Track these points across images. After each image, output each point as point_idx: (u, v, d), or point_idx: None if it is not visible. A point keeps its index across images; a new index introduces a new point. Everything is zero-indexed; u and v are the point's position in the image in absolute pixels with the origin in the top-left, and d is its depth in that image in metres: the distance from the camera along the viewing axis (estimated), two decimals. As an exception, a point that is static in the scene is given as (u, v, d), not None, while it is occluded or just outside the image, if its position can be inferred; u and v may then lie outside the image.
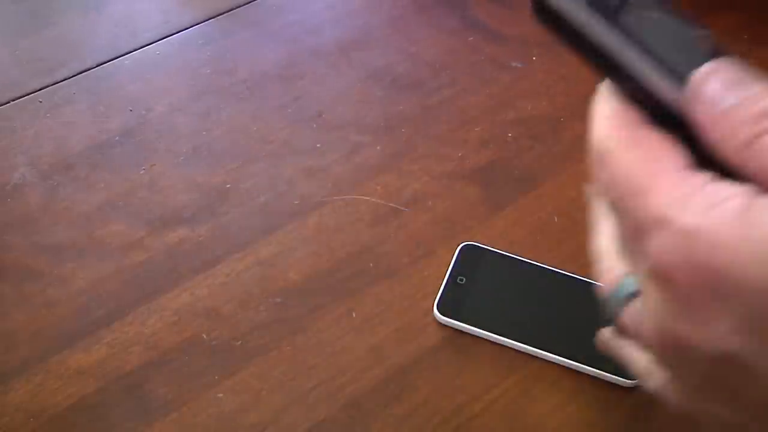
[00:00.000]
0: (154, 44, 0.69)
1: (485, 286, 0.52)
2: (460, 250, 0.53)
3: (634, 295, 0.33)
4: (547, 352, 0.48)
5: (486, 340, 0.50)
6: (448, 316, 0.50)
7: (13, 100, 0.65)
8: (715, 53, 0.26)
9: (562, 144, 0.61)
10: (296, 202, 0.58)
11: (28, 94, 0.65)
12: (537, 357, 0.49)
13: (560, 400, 0.48)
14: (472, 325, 0.50)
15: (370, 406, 0.47)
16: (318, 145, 0.61)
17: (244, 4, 0.73)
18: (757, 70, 0.25)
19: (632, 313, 0.32)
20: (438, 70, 0.67)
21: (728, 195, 0.24)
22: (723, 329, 0.25)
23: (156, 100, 0.65)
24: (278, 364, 0.49)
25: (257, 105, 0.64)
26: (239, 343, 0.50)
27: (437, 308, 0.50)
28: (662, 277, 0.26)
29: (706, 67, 0.25)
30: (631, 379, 0.47)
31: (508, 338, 0.49)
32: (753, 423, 0.27)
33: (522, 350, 0.49)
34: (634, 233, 0.27)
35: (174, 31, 0.70)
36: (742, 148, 0.24)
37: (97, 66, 0.67)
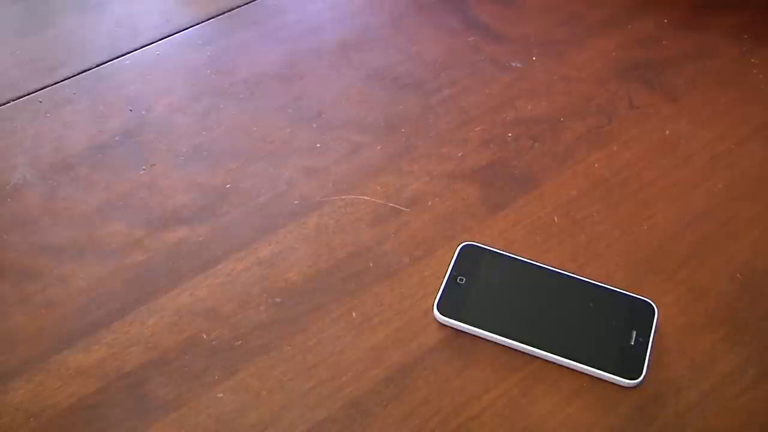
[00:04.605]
0: (154, 44, 0.69)
1: (485, 286, 0.52)
2: (460, 250, 0.53)
3: None
4: (547, 352, 0.48)
5: (486, 340, 0.50)
6: (448, 316, 0.50)
7: (13, 100, 0.65)
8: None
9: (562, 144, 0.61)
10: (296, 202, 0.58)
11: (28, 94, 0.65)
12: (537, 357, 0.49)
13: (560, 400, 0.48)
14: (471, 325, 0.50)
15: (370, 406, 0.47)
16: (318, 145, 0.61)
17: (244, 4, 0.73)
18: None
19: None
20: (438, 70, 0.67)
21: None
22: None
23: (156, 100, 0.65)
24: (278, 364, 0.49)
25: (257, 105, 0.64)
26: (239, 343, 0.50)
27: (437, 308, 0.50)
28: None
29: None
30: (631, 379, 0.47)
31: (507, 338, 0.49)
32: None
33: (522, 350, 0.49)
34: None
35: (174, 31, 0.71)
36: None
37: (97, 66, 0.68)
